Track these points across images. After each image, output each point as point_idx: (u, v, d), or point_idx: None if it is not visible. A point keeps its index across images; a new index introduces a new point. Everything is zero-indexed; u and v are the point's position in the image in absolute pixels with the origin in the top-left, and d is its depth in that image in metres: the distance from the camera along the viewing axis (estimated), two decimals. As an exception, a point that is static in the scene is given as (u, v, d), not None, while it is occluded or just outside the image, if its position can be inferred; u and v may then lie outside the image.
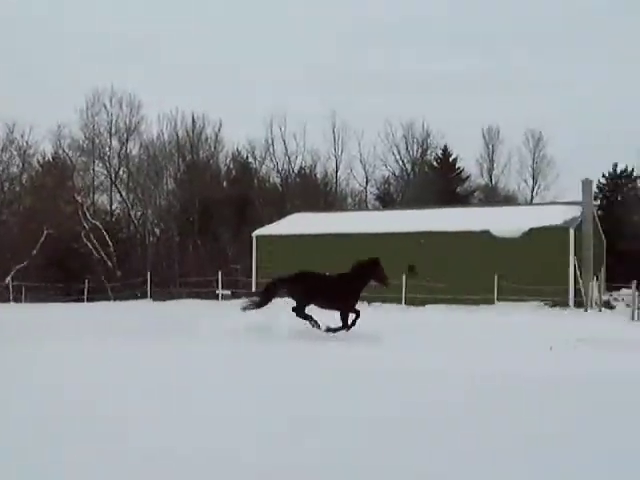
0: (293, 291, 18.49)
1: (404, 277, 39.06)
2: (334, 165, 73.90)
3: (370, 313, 23.81)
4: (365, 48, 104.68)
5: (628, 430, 7.68)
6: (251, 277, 45.83)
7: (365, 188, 76.04)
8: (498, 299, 37.83)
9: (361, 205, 73.96)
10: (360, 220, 47.65)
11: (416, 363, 12.81)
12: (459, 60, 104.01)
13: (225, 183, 72.48)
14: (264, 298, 18.70)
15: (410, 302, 38.51)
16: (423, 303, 37.38)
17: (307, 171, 73.69)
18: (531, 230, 39.02)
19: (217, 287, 45.85)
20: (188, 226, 65.62)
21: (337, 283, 18.65)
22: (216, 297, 44.41)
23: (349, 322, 17.88)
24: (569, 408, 8.95)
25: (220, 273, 45.43)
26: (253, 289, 45.06)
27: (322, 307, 18.46)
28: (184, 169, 70.30)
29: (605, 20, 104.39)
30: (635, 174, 70.45)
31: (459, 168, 74.86)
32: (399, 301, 38.65)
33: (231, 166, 74.51)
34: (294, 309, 18.03)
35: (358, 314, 18.03)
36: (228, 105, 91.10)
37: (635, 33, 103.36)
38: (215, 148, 71.99)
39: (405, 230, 42.30)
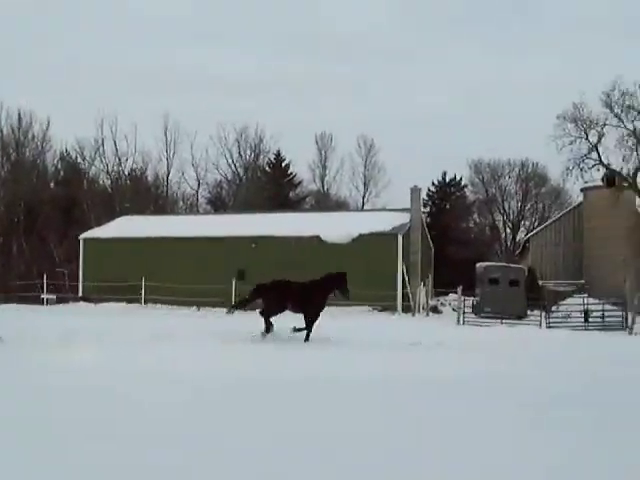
0: (267, 297, 20.21)
1: (234, 281, 38.42)
2: (165, 168, 72.26)
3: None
4: (200, 50, 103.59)
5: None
6: (78, 281, 43.94)
7: (197, 192, 74.89)
8: (327, 304, 37.71)
9: (192, 209, 72.60)
10: (191, 224, 46.68)
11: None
12: (294, 65, 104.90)
13: (52, 184, 69.26)
14: (246, 302, 21.20)
15: (240, 307, 37.80)
16: (254, 308, 36.78)
17: (138, 173, 71.58)
18: (360, 236, 39.36)
19: (42, 291, 43.55)
20: (13, 227, 62.18)
21: (306, 290, 20.16)
22: (41, 302, 42.07)
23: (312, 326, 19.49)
24: (373, 408, 9.38)
25: (45, 277, 43.20)
26: (80, 293, 43.27)
27: (294, 312, 19.98)
28: (8, 168, 66.59)
29: (446, 28, 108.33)
30: (463, 183, 73.25)
31: (292, 173, 74.81)
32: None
33: (59, 166, 71.28)
34: (262, 313, 19.72)
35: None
36: (57, 103, 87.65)
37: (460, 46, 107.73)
38: (42, 147, 68.56)
39: (236, 234, 41.74)
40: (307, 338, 19.23)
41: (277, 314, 19.87)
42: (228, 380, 11.72)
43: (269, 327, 19.39)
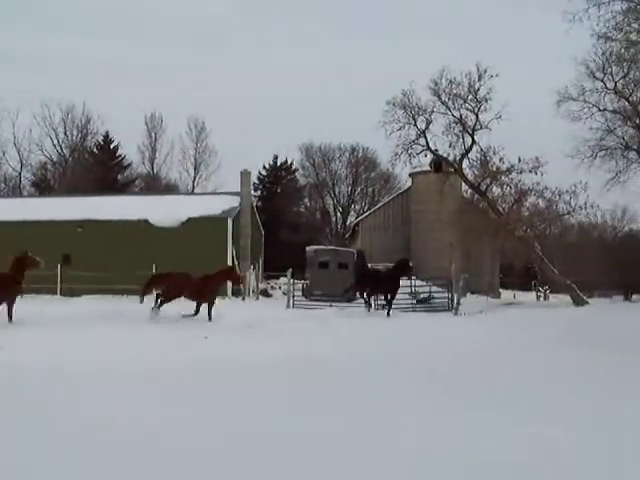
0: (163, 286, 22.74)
1: (59, 267, 36.60)
2: (-16, 148, 68.09)
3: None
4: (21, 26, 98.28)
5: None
6: None
7: (20, 173, 71.21)
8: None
9: (15, 191, 68.75)
10: (13, 207, 43.94)
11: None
12: (122, 44, 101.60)
13: None
14: (145, 291, 23.13)
15: (66, 293, 36.16)
16: (79, 294, 35.24)
17: (-47, 153, 67.03)
18: (190, 219, 38.42)
19: None
20: None
21: (202, 282, 22.92)
22: None
23: (202, 311, 22.45)
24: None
25: None
26: None
27: (191, 299, 22.63)
28: None
29: (285, 9, 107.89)
30: (294, 166, 73.37)
31: (120, 155, 72.44)
32: (54, 292, 36.24)
33: None
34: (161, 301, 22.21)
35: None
36: None
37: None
38: None
39: (61, 218, 39.79)
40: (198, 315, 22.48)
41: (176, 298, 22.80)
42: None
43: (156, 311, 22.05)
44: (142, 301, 22.83)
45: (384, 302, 28.94)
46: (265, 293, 39.81)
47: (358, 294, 30.73)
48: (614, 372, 13.48)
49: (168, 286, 22.68)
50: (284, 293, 36.17)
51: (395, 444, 7.07)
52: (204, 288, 22.83)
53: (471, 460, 6.65)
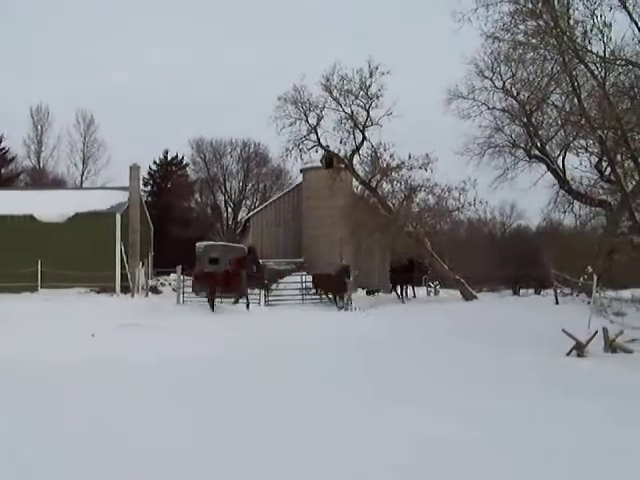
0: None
1: None
2: None
3: None
4: None
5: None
6: None
7: None
8: (42, 286, 35.57)
9: None
10: None
11: None
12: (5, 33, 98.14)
13: None
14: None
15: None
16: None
17: None
18: (76, 215, 37.44)
19: None
20: None
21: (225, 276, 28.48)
22: None
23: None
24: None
25: None
26: None
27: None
28: None
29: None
30: (185, 161, 72.47)
31: (4, 148, 69.77)
32: None
33: None
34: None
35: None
36: None
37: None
38: None
39: (-59, 213, 37.99)
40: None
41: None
42: None
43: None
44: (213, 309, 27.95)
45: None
46: (155, 290, 39.18)
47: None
48: (495, 364, 13.98)
49: (206, 283, 28.86)
50: (174, 289, 35.73)
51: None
52: (229, 281, 28.18)
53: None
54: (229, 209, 76.82)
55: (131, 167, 40.46)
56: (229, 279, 28.85)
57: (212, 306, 28.72)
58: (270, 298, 32.36)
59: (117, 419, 8.59)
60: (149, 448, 7.34)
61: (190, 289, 34.29)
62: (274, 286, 36.06)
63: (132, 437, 7.74)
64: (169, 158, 70.68)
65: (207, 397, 10.00)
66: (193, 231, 57.66)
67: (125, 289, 36.61)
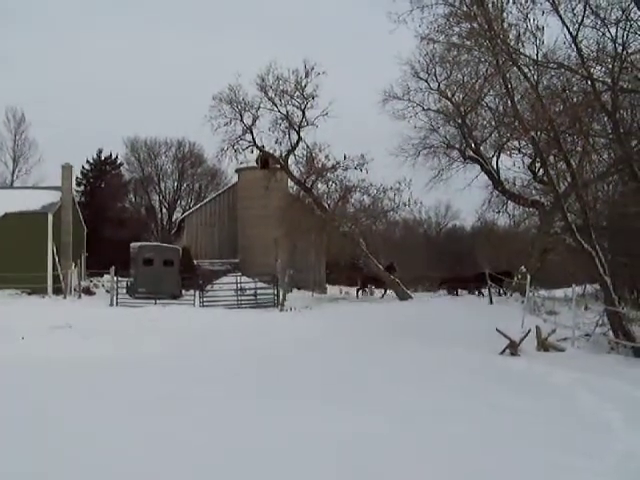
0: None
1: None
2: None
3: None
4: None
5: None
6: None
7: None
8: None
9: None
10: None
11: None
12: None
13: None
14: None
15: None
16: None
17: None
18: (6, 215, 36.49)
19: None
20: None
21: None
22: None
23: None
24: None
25: None
26: None
27: None
28: None
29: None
30: (119, 161, 71.36)
31: None
32: None
33: None
34: None
35: None
36: None
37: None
38: None
39: None
40: None
41: None
42: None
43: None
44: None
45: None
46: (88, 291, 38.43)
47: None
48: (428, 363, 14.10)
49: None
50: (107, 291, 35.15)
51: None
52: None
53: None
54: (164, 209, 75.94)
55: (63, 166, 39.65)
56: None
57: None
58: (205, 299, 32.05)
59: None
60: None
61: (125, 290, 33.82)
62: (209, 287, 35.77)
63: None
64: (103, 157, 69.40)
65: (132, 395, 9.87)
66: (127, 231, 56.72)
67: (57, 291, 35.83)
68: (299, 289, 40.94)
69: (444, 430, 8.49)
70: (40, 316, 22.66)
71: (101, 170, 68.94)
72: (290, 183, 41.81)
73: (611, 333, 18.18)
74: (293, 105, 39.21)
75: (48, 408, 9.31)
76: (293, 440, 7.95)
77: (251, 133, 39.88)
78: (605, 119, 19.20)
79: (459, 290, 37.08)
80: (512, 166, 35.40)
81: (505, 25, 19.75)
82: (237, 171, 47.50)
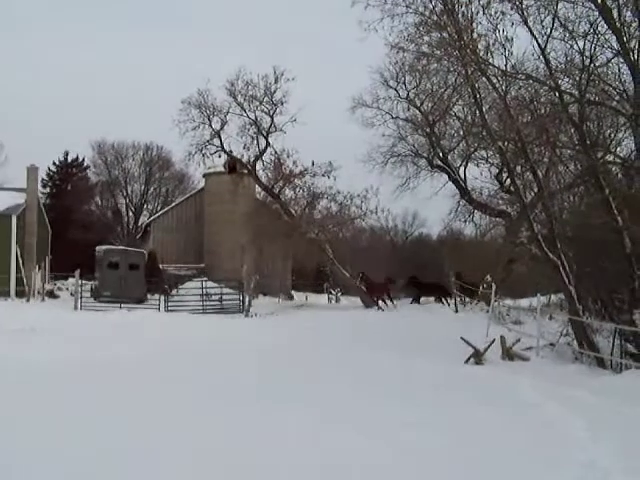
0: None
1: None
2: None
3: None
4: None
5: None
6: None
7: None
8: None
9: None
10: None
11: None
12: None
13: None
14: None
15: None
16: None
17: None
18: (-30, 217, 36.05)
19: None
20: None
21: None
22: None
23: None
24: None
25: None
26: None
27: None
28: None
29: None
30: (86, 164, 70.77)
31: None
32: None
33: None
34: None
35: None
36: None
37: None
38: None
39: None
40: None
41: None
42: None
43: None
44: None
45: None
46: (52, 294, 37.99)
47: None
48: (390, 371, 14.09)
49: None
50: (72, 294, 34.76)
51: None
52: None
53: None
54: (130, 213, 75.35)
55: (28, 168, 39.23)
56: None
57: None
58: (170, 304, 31.82)
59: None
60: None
61: (89, 294, 33.49)
62: (174, 291, 35.55)
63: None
64: (69, 160, 68.92)
65: (98, 399, 9.77)
66: (93, 235, 56.21)
67: (20, 293, 35.37)
68: (265, 295, 40.81)
69: (412, 441, 8.46)
70: (2, 318, 22.36)
71: (67, 172, 68.46)
72: (258, 189, 41.71)
73: (575, 343, 18.31)
74: (262, 111, 39.14)
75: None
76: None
77: (219, 138, 39.74)
78: (572, 130, 19.33)
79: (422, 298, 37.15)
80: (479, 176, 35.75)
81: (475, 35, 19.84)
82: (205, 176, 47.31)
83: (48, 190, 66.25)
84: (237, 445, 7.89)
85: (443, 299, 35.63)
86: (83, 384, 11.37)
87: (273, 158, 39.37)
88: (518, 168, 21.14)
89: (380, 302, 34.80)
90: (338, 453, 7.78)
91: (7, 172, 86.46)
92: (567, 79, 19.38)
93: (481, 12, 19.48)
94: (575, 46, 18.84)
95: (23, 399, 9.87)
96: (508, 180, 29.18)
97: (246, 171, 40.26)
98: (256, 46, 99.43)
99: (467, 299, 34.44)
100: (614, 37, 18.15)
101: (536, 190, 20.10)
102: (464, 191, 36.65)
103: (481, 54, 19.50)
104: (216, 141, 39.79)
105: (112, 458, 7.22)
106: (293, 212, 37.95)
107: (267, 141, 39.28)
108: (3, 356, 14.09)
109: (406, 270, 47.19)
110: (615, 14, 17.99)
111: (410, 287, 38.27)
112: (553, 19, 18.54)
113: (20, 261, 36.57)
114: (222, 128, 39.60)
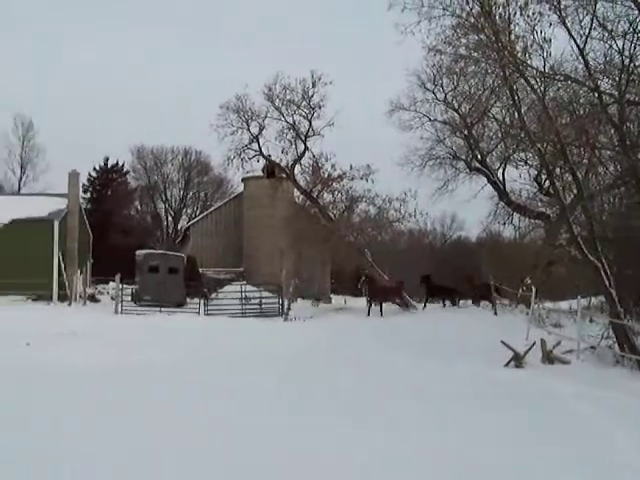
0: None
1: None
2: None
3: None
4: None
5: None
6: None
7: None
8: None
9: None
10: None
11: None
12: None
13: None
14: None
15: None
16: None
17: None
18: (14, 221, 36.61)
19: None
20: None
21: None
22: None
23: None
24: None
25: None
26: None
27: None
28: None
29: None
30: (125, 169, 71.60)
31: None
32: None
33: None
34: None
35: None
36: None
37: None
38: None
39: None
40: None
41: None
42: None
43: None
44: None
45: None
46: (93, 298, 38.46)
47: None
48: (430, 374, 14.05)
49: None
50: (112, 298, 35.14)
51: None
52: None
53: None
54: (169, 217, 76.08)
55: (70, 174, 39.81)
56: None
57: None
58: (209, 307, 32.03)
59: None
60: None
61: (129, 298, 33.78)
62: (213, 295, 35.75)
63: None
64: (109, 165, 69.74)
65: (137, 405, 9.88)
66: (133, 239, 56.88)
67: (62, 297, 35.88)
68: (303, 299, 40.88)
69: (448, 444, 8.46)
70: (45, 322, 22.67)
71: (107, 178, 69.28)
72: (296, 193, 41.80)
73: (616, 346, 18.12)
74: (300, 115, 39.33)
75: (46, 415, 9.31)
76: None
77: (257, 142, 40.00)
78: (612, 131, 19.15)
79: (460, 301, 36.85)
80: (518, 178, 35.38)
81: (512, 37, 19.73)
82: (243, 180, 47.54)
83: (89, 195, 67.08)
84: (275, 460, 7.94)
85: (480, 301, 35.32)
86: (107, 389, 11.45)
87: (311, 162, 39.56)
88: (557, 170, 20.99)
89: (397, 304, 34.86)
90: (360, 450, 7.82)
91: (49, 178, 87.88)
92: (606, 79, 19.21)
93: (518, 13, 19.37)
94: (614, 46, 18.66)
95: (46, 402, 10.01)
96: (547, 182, 29.01)
97: (285, 175, 40.43)
98: (295, 51, 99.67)
99: (506, 301, 34.12)
100: (655, 36, 17.98)
101: (575, 192, 19.94)
102: (503, 193, 36.39)
103: (519, 55, 19.39)
104: (254, 145, 40.10)
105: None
106: (332, 216, 38.01)
107: (305, 145, 39.46)
108: (39, 360, 14.28)
109: (444, 273, 46.93)
110: (656, 12, 17.81)
111: (422, 286, 37.67)
112: (592, 19, 18.36)
113: (62, 265, 37.09)
114: (260, 132, 39.90)
